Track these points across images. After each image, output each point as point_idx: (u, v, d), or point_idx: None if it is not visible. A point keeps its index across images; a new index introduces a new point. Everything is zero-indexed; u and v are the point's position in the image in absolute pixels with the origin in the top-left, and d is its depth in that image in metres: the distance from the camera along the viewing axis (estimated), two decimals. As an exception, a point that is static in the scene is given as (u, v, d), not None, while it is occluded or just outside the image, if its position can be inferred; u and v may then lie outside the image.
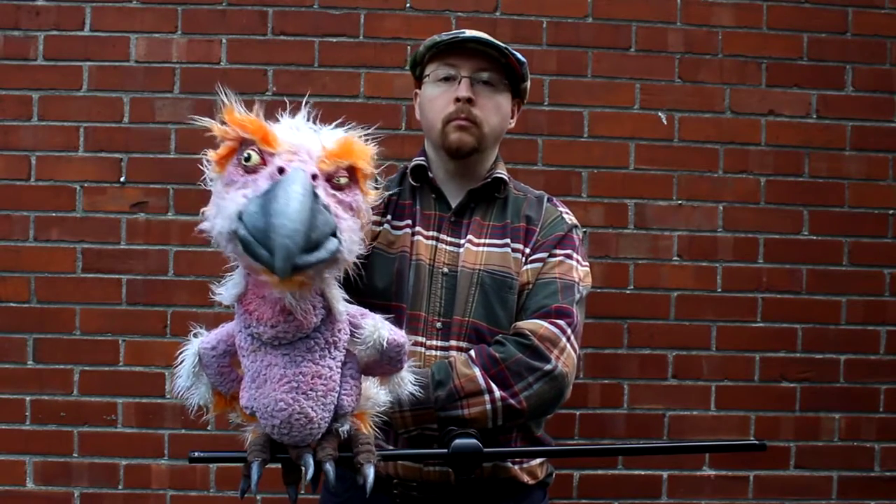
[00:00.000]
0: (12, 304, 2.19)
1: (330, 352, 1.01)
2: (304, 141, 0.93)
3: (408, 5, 2.25)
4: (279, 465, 1.08)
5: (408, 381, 1.13)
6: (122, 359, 2.19)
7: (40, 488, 2.18)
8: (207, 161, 0.96)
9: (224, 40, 2.22)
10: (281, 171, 0.89)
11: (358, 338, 1.04)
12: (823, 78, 2.29)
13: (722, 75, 2.28)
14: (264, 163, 0.91)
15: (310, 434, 1.01)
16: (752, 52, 2.28)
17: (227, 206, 0.90)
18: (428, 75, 1.49)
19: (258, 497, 2.20)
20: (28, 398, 2.18)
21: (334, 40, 2.24)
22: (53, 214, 2.20)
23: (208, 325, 1.10)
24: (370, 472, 1.04)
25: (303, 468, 1.03)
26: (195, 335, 1.07)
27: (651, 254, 2.26)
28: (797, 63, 2.29)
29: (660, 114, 2.27)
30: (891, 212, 2.31)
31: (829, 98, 2.30)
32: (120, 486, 2.19)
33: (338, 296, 1.02)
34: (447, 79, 1.46)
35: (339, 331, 1.02)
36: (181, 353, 1.06)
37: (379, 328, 1.04)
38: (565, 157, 2.26)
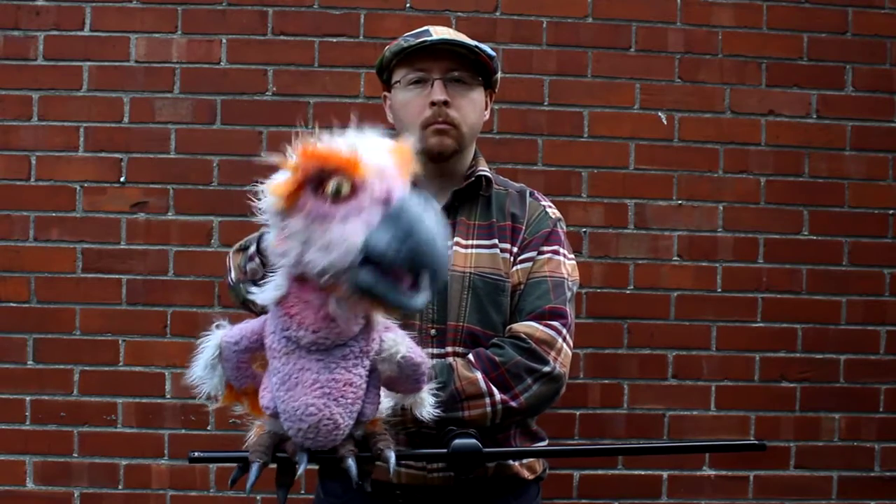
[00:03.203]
0: (12, 304, 2.19)
1: (362, 361, 1.02)
2: (378, 160, 0.93)
3: (408, 5, 2.25)
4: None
5: (427, 403, 1.12)
6: (122, 359, 2.19)
7: (40, 488, 2.18)
8: (269, 196, 0.93)
9: (224, 40, 2.22)
10: (387, 195, 0.90)
11: (377, 350, 1.05)
12: (823, 78, 2.29)
13: (722, 75, 2.28)
14: (354, 190, 0.91)
15: (333, 440, 1.03)
16: (752, 52, 2.28)
17: (339, 239, 0.90)
18: (398, 81, 1.47)
19: (258, 497, 2.20)
20: (28, 398, 2.18)
21: (334, 40, 2.24)
22: (53, 214, 2.20)
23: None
24: (392, 455, 1.05)
25: (297, 466, 1.04)
26: (218, 327, 1.07)
27: (651, 254, 2.26)
28: (797, 63, 2.29)
29: (660, 114, 2.27)
30: (891, 212, 2.31)
31: (829, 98, 2.29)
32: (120, 486, 2.19)
33: None
34: (418, 81, 1.44)
35: (372, 340, 1.03)
36: (202, 342, 1.06)
37: (398, 344, 1.05)
38: (565, 157, 2.26)
